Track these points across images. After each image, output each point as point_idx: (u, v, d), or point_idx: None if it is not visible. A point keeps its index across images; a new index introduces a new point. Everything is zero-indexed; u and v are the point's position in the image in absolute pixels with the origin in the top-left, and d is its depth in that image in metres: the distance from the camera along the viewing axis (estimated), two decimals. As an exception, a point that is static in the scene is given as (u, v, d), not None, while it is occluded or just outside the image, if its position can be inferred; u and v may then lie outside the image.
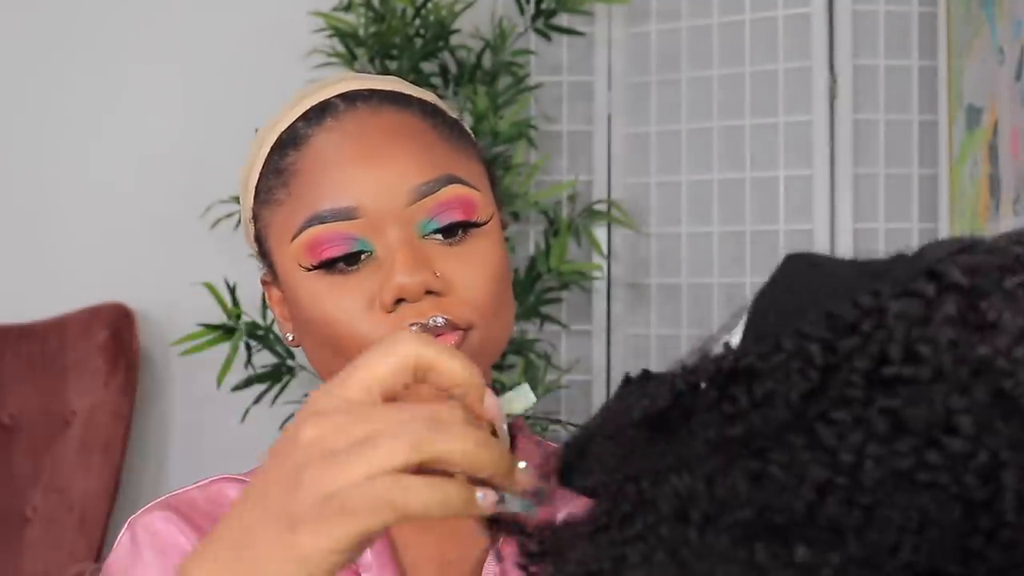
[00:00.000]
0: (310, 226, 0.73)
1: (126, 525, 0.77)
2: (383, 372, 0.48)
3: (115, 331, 2.31)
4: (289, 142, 0.76)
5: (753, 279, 2.36)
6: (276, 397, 2.21)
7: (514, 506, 0.48)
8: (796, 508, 0.36)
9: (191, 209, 2.32)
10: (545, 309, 2.27)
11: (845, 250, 2.29)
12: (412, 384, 0.49)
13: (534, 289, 2.22)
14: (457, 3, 2.22)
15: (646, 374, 0.44)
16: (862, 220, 2.30)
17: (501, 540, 0.49)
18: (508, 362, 2.24)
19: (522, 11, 2.29)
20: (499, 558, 0.73)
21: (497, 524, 0.48)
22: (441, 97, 2.49)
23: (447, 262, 0.73)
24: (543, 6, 2.28)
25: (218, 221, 2.23)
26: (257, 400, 2.19)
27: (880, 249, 2.29)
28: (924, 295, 0.38)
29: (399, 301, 0.71)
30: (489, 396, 0.50)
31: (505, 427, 0.50)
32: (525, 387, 0.53)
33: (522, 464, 0.48)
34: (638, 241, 2.47)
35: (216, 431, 2.41)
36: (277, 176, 0.76)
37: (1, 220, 2.48)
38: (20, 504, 2.22)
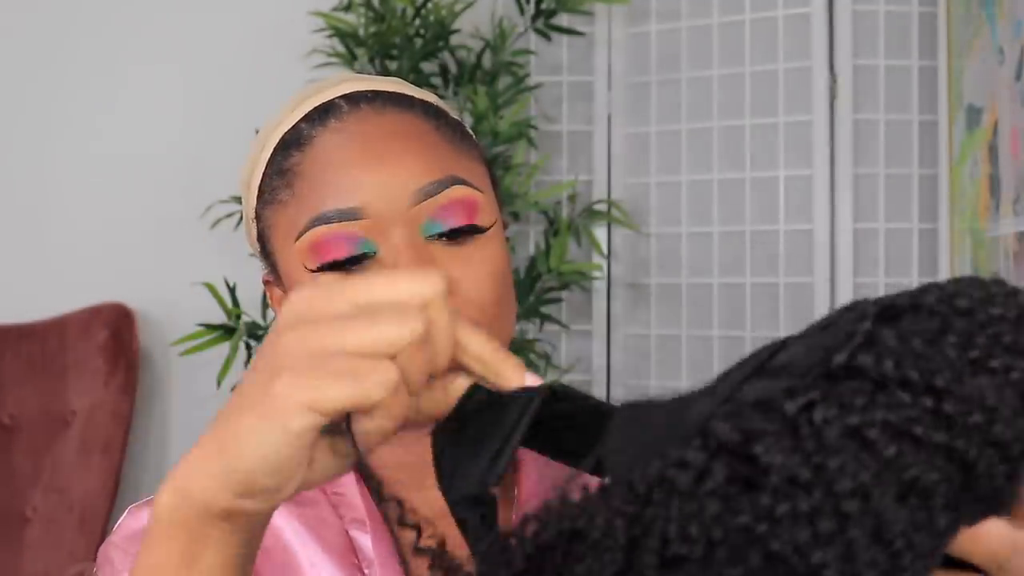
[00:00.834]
0: (314, 227, 0.73)
1: (127, 512, 0.77)
2: (387, 334, 0.48)
3: (115, 331, 2.31)
4: (293, 143, 0.76)
5: (753, 279, 2.36)
6: (276, 397, 2.20)
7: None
8: None
9: (191, 209, 2.32)
10: (545, 309, 2.27)
11: (845, 250, 2.29)
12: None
13: (534, 289, 2.22)
14: (457, 3, 2.22)
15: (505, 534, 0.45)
16: (862, 220, 2.30)
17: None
18: (508, 362, 2.24)
19: (522, 11, 2.29)
20: None
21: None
22: (441, 97, 2.49)
23: (451, 263, 0.73)
24: (543, 6, 2.28)
25: (218, 221, 2.23)
26: (257, 400, 2.19)
27: (880, 249, 2.29)
28: (694, 465, 0.40)
29: None
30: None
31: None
32: None
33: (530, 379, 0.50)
34: (638, 241, 2.47)
35: (216, 431, 2.41)
36: (281, 177, 0.76)
37: (1, 220, 2.48)
38: (20, 504, 2.22)
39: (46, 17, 2.50)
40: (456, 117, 0.81)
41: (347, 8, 2.25)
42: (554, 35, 2.33)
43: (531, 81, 2.35)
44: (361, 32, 2.23)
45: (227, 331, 2.10)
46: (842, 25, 2.28)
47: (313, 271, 0.73)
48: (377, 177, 0.73)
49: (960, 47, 2.11)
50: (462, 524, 0.48)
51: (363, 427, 0.49)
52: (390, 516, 0.78)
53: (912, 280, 2.30)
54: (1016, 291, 0.43)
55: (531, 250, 2.38)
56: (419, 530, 0.77)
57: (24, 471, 2.25)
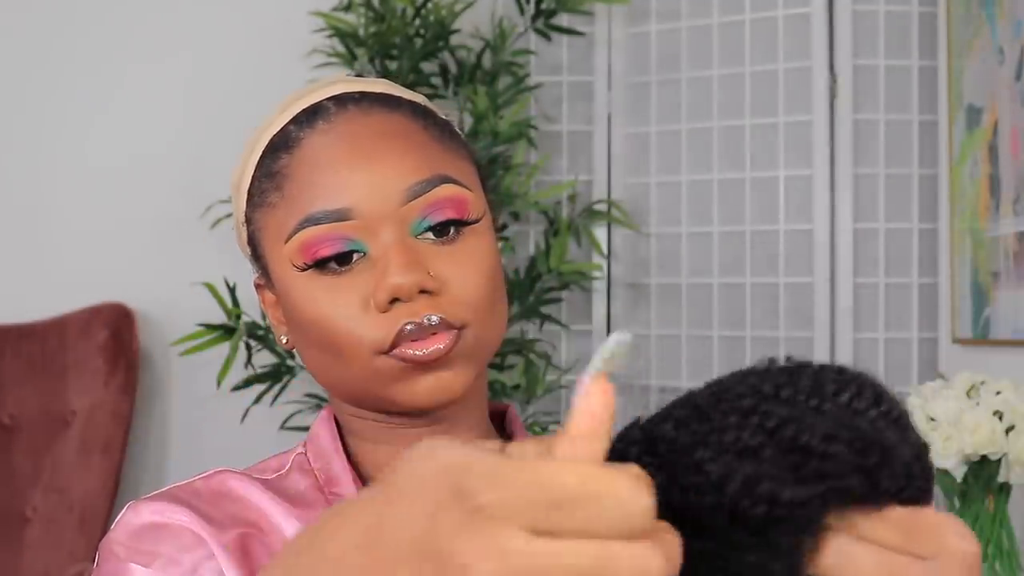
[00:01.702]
0: (304, 228, 0.73)
1: (127, 508, 0.76)
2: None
3: (115, 331, 2.31)
4: (281, 145, 0.76)
5: (753, 279, 2.36)
6: (276, 397, 2.21)
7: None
8: None
9: (191, 209, 2.32)
10: (545, 309, 2.27)
11: (845, 250, 2.29)
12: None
13: (534, 289, 2.22)
14: (457, 3, 2.22)
15: None
16: (862, 220, 2.30)
17: None
18: (508, 362, 2.24)
19: (522, 11, 2.29)
20: None
21: None
22: (441, 97, 2.48)
23: (440, 261, 0.73)
24: (543, 6, 2.28)
25: (218, 221, 2.23)
26: (257, 400, 2.19)
27: (880, 249, 2.29)
28: None
29: (394, 301, 0.71)
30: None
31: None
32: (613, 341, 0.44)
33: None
34: (638, 241, 2.47)
35: (216, 431, 2.41)
36: (270, 179, 0.76)
37: (1, 220, 2.48)
38: (20, 504, 2.22)
39: (46, 17, 2.50)
40: (444, 117, 0.81)
41: (347, 8, 2.25)
42: (554, 35, 2.33)
43: (531, 81, 2.35)
44: (361, 32, 2.23)
45: (227, 331, 2.10)
46: (842, 25, 2.28)
47: (303, 270, 0.74)
48: (365, 177, 0.73)
49: (960, 47, 2.10)
50: None
51: None
52: None
53: (912, 280, 2.30)
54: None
55: (531, 250, 2.38)
56: None
57: (24, 471, 2.25)
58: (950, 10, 2.15)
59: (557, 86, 2.48)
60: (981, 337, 2.00)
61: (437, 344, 0.71)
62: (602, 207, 2.40)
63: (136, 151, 2.49)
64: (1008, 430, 1.52)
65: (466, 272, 0.73)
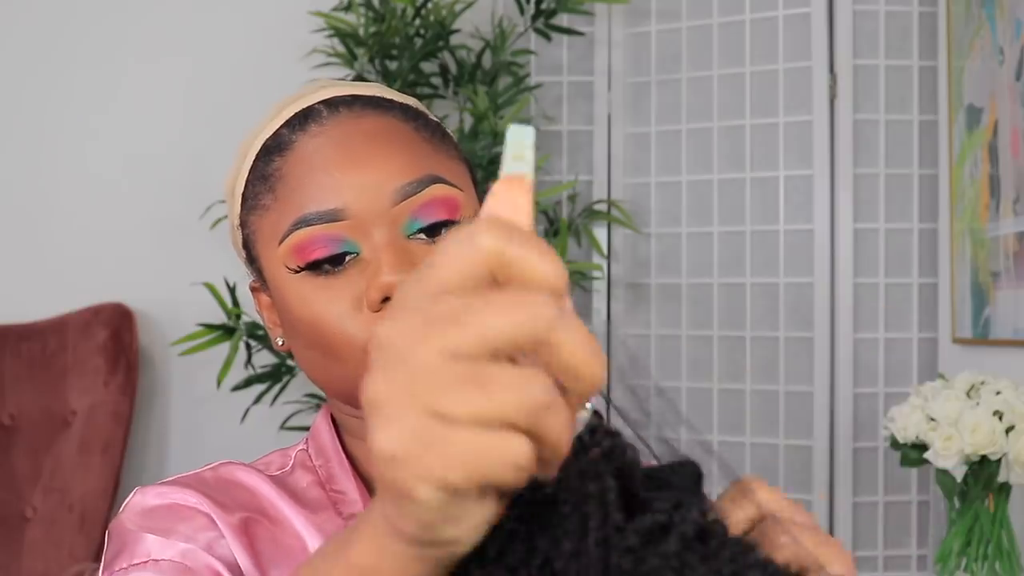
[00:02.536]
0: (297, 229, 0.74)
1: (135, 492, 0.77)
2: (451, 277, 0.38)
3: (115, 331, 2.31)
4: (274, 148, 0.77)
5: (753, 279, 2.36)
6: (276, 397, 2.21)
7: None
8: None
9: (191, 209, 2.32)
10: (545, 309, 2.27)
11: (845, 250, 2.29)
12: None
13: (534, 289, 2.22)
14: (457, 3, 2.22)
15: None
16: (862, 220, 2.30)
17: None
18: (508, 362, 2.24)
19: (522, 11, 2.29)
20: None
21: None
22: (441, 97, 2.47)
23: None
24: (543, 6, 2.28)
25: (218, 221, 2.23)
26: (257, 400, 2.19)
27: (880, 249, 2.29)
28: None
29: (386, 300, 0.72)
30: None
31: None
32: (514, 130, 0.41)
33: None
34: (638, 241, 2.47)
35: (216, 431, 2.41)
36: (263, 182, 0.77)
37: (1, 220, 2.48)
38: (20, 504, 2.22)
39: (46, 18, 2.50)
40: (435, 118, 0.82)
41: (347, 8, 2.25)
42: (554, 35, 2.33)
43: (531, 81, 2.35)
44: (361, 32, 2.23)
45: (227, 331, 2.10)
46: (842, 25, 2.28)
47: (296, 272, 0.74)
48: (357, 178, 0.74)
49: (960, 47, 2.10)
50: None
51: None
52: None
53: (912, 280, 2.30)
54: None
55: (531, 250, 2.37)
56: None
57: (24, 471, 2.25)
58: (950, 10, 2.15)
59: (557, 86, 2.48)
60: (981, 337, 2.00)
61: None
62: (602, 207, 2.40)
63: (136, 151, 2.49)
64: (1008, 430, 1.52)
65: None
